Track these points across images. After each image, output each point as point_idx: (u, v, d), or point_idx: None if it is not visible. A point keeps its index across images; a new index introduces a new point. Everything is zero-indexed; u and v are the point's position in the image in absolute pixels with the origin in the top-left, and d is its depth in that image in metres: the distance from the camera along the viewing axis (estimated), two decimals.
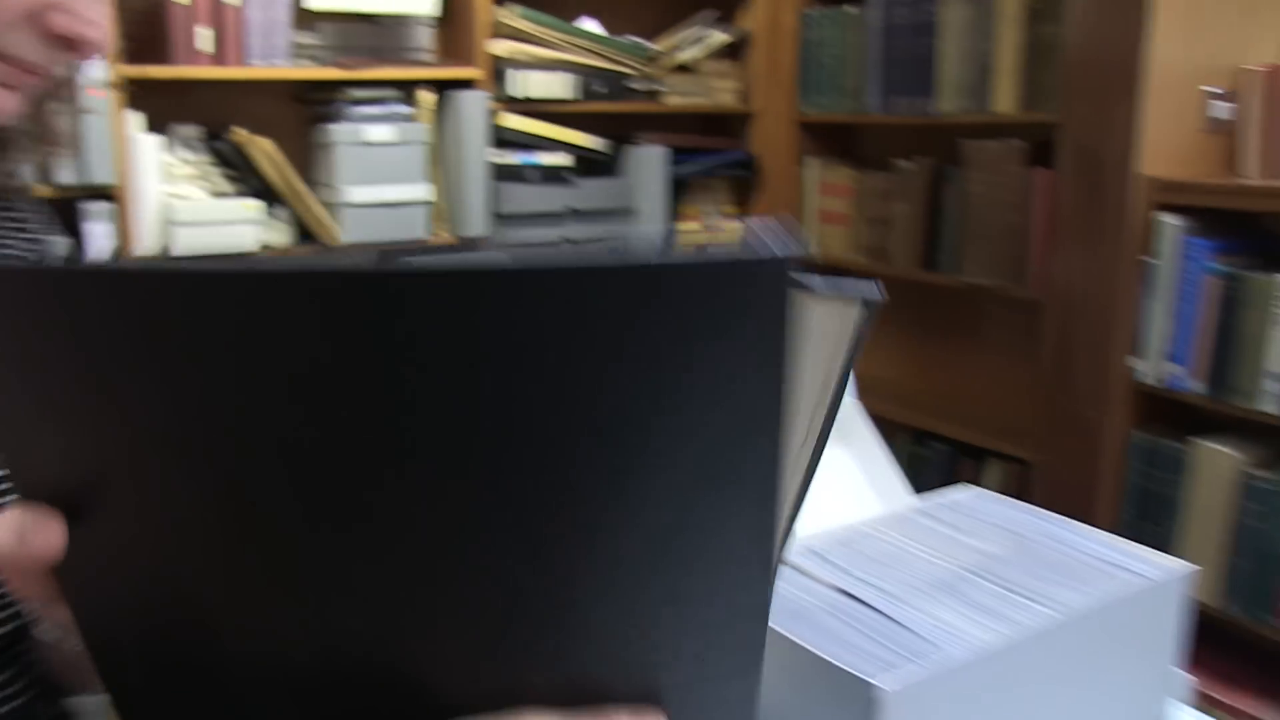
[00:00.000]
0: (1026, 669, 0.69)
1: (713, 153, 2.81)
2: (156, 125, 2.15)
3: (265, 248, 2.19)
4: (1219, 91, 1.98)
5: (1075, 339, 2.10)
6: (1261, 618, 1.85)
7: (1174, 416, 2.04)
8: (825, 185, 2.82)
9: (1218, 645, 1.94)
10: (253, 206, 2.15)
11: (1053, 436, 2.16)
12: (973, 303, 2.60)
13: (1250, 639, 1.90)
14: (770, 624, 0.70)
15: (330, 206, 2.25)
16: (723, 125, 2.92)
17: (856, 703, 0.62)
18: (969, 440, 2.47)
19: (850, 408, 1.05)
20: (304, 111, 2.41)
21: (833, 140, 2.86)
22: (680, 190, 2.75)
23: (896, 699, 0.62)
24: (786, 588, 0.76)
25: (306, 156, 2.38)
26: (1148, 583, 0.76)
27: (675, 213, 2.73)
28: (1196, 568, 0.79)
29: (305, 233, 2.26)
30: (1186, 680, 0.86)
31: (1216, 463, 1.88)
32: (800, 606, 0.73)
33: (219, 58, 2.17)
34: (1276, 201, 1.87)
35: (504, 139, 2.45)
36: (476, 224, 2.35)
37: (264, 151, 2.16)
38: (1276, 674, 1.90)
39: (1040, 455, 2.20)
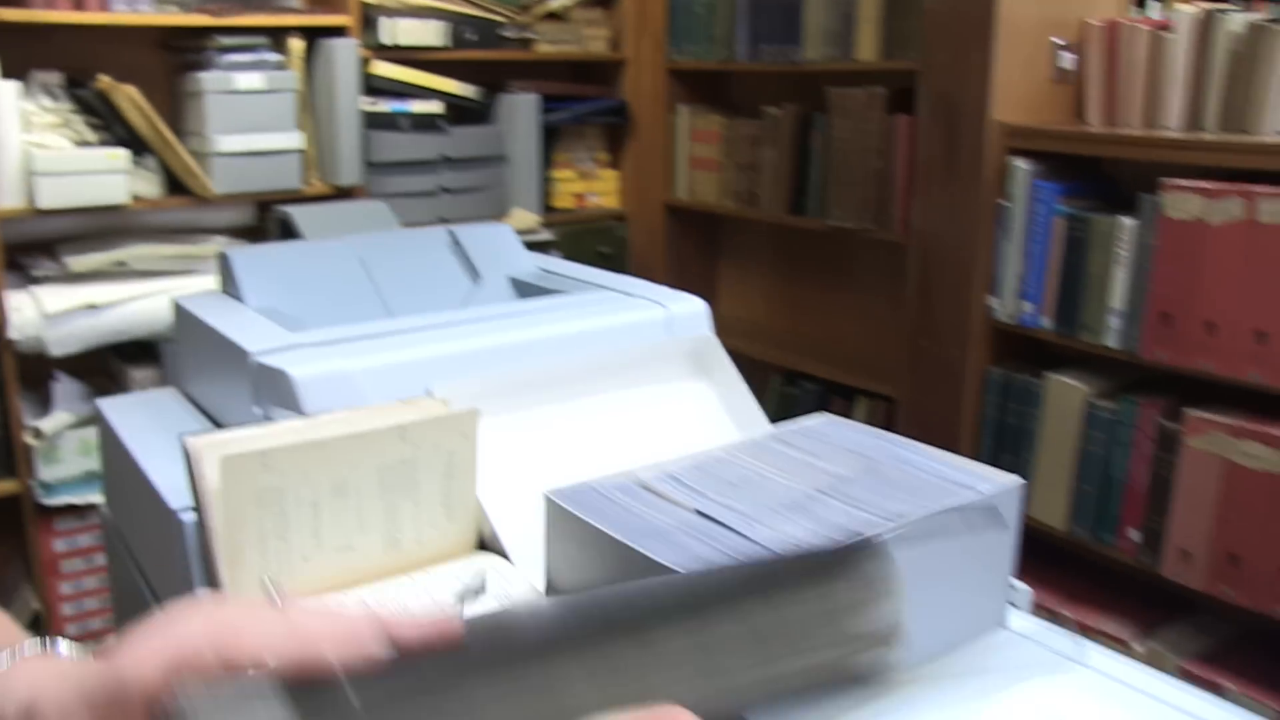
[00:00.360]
0: None
1: (584, 100, 2.82)
2: (14, 71, 2.06)
3: (135, 198, 2.13)
4: (1065, 43, 2.06)
5: (937, 280, 2.18)
6: (1106, 539, 1.96)
7: (1027, 352, 2.14)
8: (695, 132, 2.85)
9: (1067, 566, 2.06)
10: (118, 156, 2.08)
11: (916, 373, 2.24)
12: (839, 246, 2.68)
13: (1096, 560, 2.02)
14: (631, 545, 0.73)
15: (200, 156, 2.19)
16: (594, 73, 2.92)
17: None
18: (838, 379, 2.55)
19: (709, 342, 1.09)
20: (170, 59, 2.33)
21: (702, 88, 2.90)
22: (552, 138, 2.75)
23: None
24: (646, 510, 0.79)
25: (175, 105, 2.31)
26: (982, 496, 0.81)
27: (547, 160, 2.73)
28: (1023, 481, 0.84)
29: (175, 183, 2.20)
30: (1025, 590, 0.92)
31: (1065, 395, 1.98)
32: (659, 527, 0.76)
33: (80, 1, 2.09)
34: (1116, 147, 1.96)
35: (375, 87, 2.41)
36: (350, 172, 2.31)
37: (130, 99, 2.09)
38: (1120, 591, 2.03)
39: (905, 392, 2.29)
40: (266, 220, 2.33)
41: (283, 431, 0.85)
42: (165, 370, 2.16)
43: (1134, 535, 1.91)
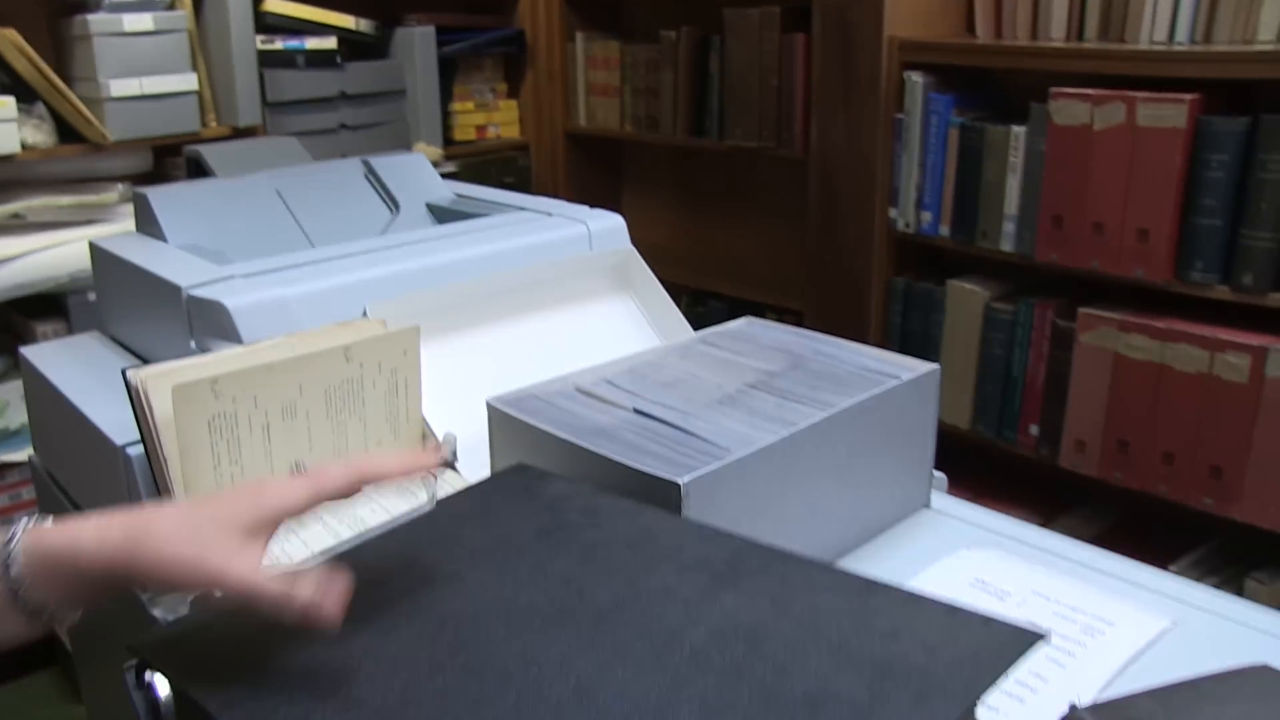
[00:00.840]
0: (804, 459, 0.79)
1: (481, 31, 2.79)
2: None
3: (25, 148, 2.06)
4: None
5: (838, 194, 2.24)
6: (1008, 436, 2.06)
7: (928, 260, 2.22)
8: (593, 59, 2.86)
9: (972, 464, 2.16)
10: (5, 104, 2.01)
11: (822, 287, 2.31)
12: (741, 166, 2.72)
13: (1000, 456, 2.12)
14: (578, 443, 0.77)
15: (92, 102, 2.13)
16: (489, 2, 2.90)
17: (667, 496, 0.70)
18: (745, 296, 2.60)
19: (630, 256, 1.12)
20: (51, 1, 2.25)
21: (598, 14, 2.89)
22: (450, 70, 2.73)
23: (696, 490, 0.70)
24: (587, 412, 0.83)
25: (61, 50, 2.23)
26: (901, 382, 0.87)
27: (446, 93, 2.71)
28: (937, 366, 0.90)
29: (67, 131, 2.13)
30: (941, 477, 0.98)
31: (966, 300, 2.07)
32: (602, 426, 0.80)
33: None
34: (1005, 58, 2.04)
35: (269, 24, 2.36)
36: (248, 112, 2.27)
37: (11, 43, 2.01)
38: (1022, 484, 2.14)
39: (811, 305, 2.36)
40: (166, 166, 2.29)
41: (226, 359, 0.87)
42: (72, 321, 2.12)
43: (1033, 430, 2.02)
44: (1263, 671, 0.67)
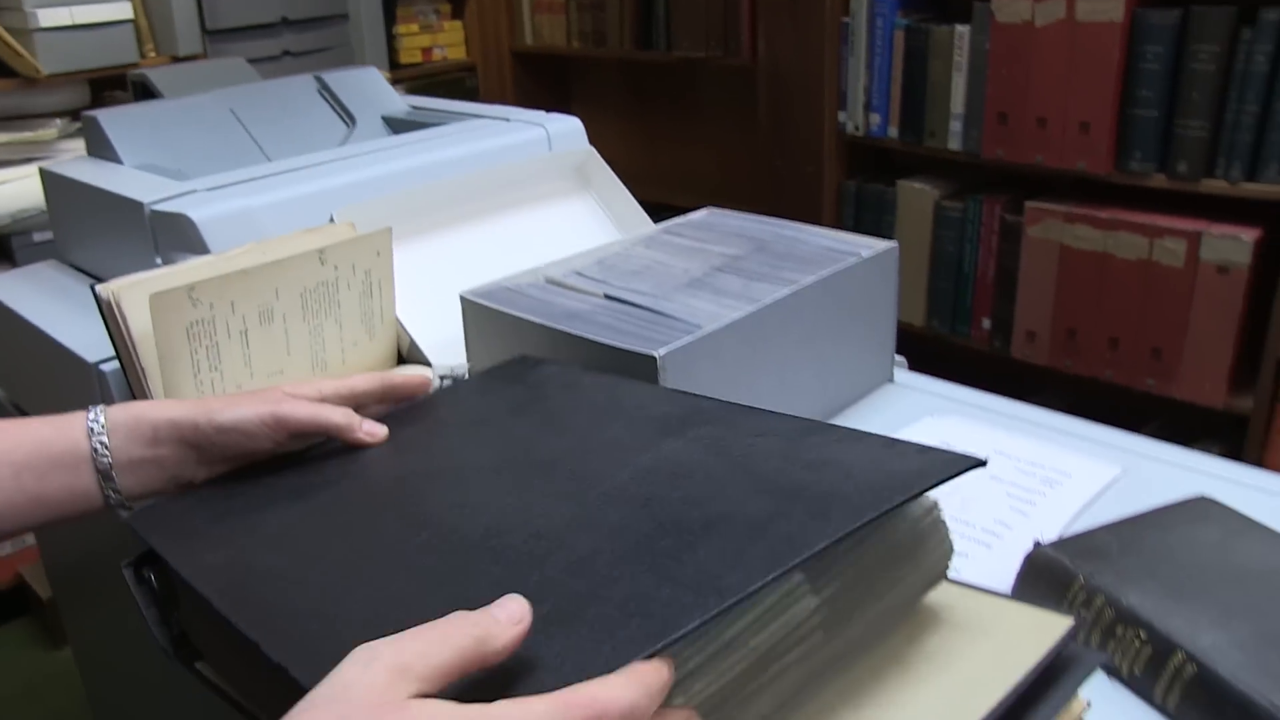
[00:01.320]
0: (773, 333, 0.81)
1: None
2: None
3: None
4: None
5: (787, 100, 2.25)
6: (961, 331, 2.11)
7: (878, 162, 2.25)
8: None
9: (929, 359, 2.21)
10: None
11: (775, 193, 2.34)
12: (689, 76, 2.72)
13: (954, 351, 2.17)
14: (554, 326, 0.79)
15: (20, 34, 2.08)
16: None
17: (643, 370, 0.73)
18: (700, 207, 2.62)
19: (590, 155, 1.14)
20: None
21: None
22: None
23: (672, 362, 0.73)
24: (560, 300, 0.85)
25: None
26: (861, 259, 0.90)
27: (390, 15, 2.68)
28: (895, 243, 0.93)
29: None
30: (902, 359, 1.02)
31: (916, 199, 2.10)
32: (575, 311, 0.82)
33: None
34: None
35: None
36: (188, 41, 2.23)
37: None
38: (976, 378, 2.19)
39: (765, 211, 2.37)
40: (104, 101, 2.25)
41: (197, 267, 0.88)
42: (19, 263, 2.09)
43: (986, 323, 2.07)
44: (1201, 501, 0.71)
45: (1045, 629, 0.51)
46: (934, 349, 2.16)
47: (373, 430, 0.68)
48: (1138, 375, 1.87)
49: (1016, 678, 0.48)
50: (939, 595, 0.55)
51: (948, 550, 0.54)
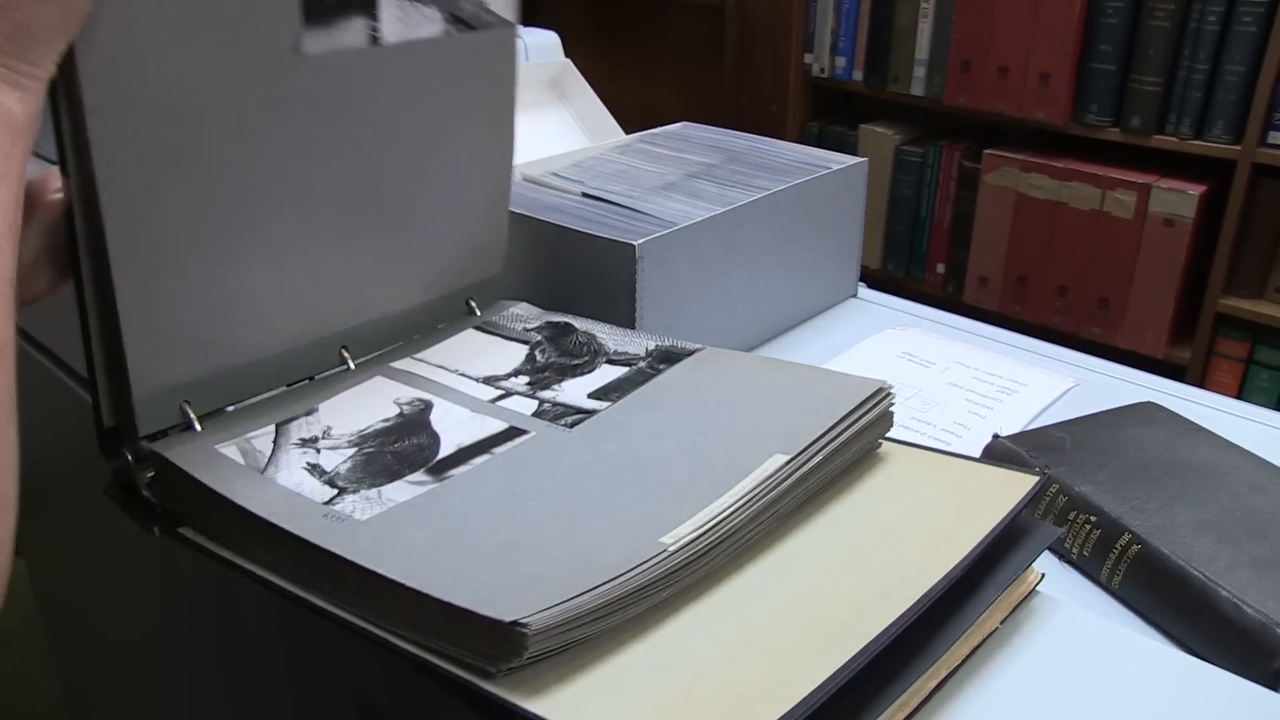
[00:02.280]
0: (745, 235, 0.83)
1: None
2: None
3: None
4: None
5: (754, 40, 2.26)
6: (916, 275, 2.15)
7: (841, 105, 2.27)
8: None
9: None
10: None
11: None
12: (656, 13, 2.72)
13: (909, 294, 2.21)
14: (535, 216, 0.80)
15: None
16: None
17: (621, 259, 0.74)
18: None
19: (565, 68, 1.14)
20: None
21: None
22: None
23: (649, 252, 0.74)
24: (539, 196, 0.86)
25: None
26: (831, 172, 0.92)
27: None
28: (865, 159, 0.95)
29: None
30: (863, 285, 1.04)
31: (877, 143, 2.13)
32: (555, 205, 0.83)
33: None
34: None
35: None
36: None
37: None
38: None
39: None
40: None
41: None
42: None
43: (940, 268, 2.11)
44: (1149, 405, 0.75)
45: (1014, 485, 0.54)
46: (889, 292, 2.20)
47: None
48: (1084, 324, 1.93)
49: (993, 522, 0.50)
50: (913, 459, 0.58)
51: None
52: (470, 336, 0.71)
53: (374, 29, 0.59)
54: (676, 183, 0.89)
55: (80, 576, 1.22)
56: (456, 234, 0.71)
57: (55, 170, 0.53)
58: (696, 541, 0.46)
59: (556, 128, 1.12)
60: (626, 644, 0.44)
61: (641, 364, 0.65)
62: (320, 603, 0.49)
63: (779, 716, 0.38)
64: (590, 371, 0.65)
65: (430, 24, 0.62)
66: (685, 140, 1.02)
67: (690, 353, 0.65)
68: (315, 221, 0.61)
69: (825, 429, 0.54)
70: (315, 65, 0.57)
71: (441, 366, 0.67)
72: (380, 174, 0.63)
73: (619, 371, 0.65)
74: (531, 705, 0.41)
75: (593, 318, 0.73)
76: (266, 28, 0.54)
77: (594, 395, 0.62)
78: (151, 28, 0.49)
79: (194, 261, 0.56)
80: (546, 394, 0.63)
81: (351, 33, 0.58)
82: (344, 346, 0.66)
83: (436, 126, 0.66)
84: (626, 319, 0.75)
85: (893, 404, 0.59)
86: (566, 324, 0.71)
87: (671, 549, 0.46)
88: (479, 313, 0.73)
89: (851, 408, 0.56)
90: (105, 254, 0.52)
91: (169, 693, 1.05)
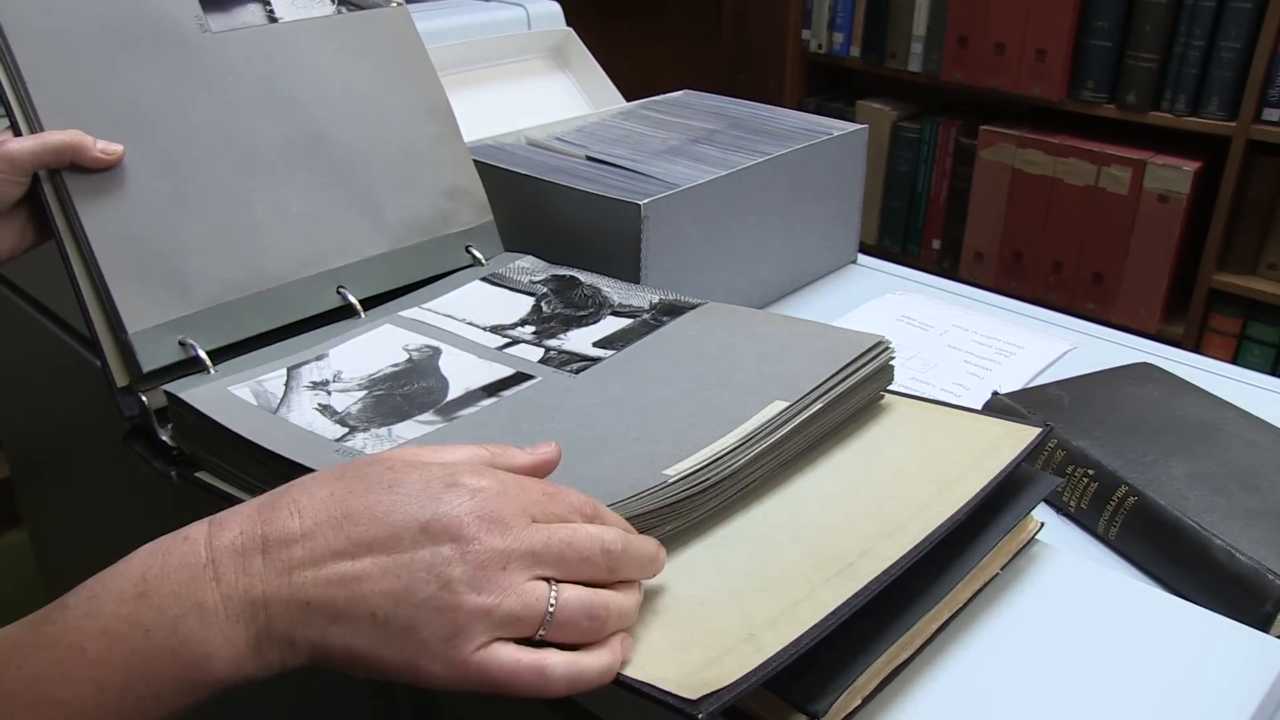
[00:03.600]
0: (748, 197, 0.84)
1: None
2: None
3: None
4: None
5: (752, 15, 2.27)
6: (912, 250, 2.16)
7: (839, 81, 2.27)
8: None
9: None
10: None
11: None
12: None
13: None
14: (543, 178, 0.81)
15: None
16: None
17: (627, 219, 0.75)
18: None
19: (568, 36, 1.15)
20: None
21: None
22: None
23: (654, 212, 0.75)
24: (543, 159, 0.87)
25: None
26: (833, 138, 0.92)
27: None
28: (866, 126, 0.96)
29: None
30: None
31: (874, 119, 2.14)
32: (560, 167, 0.84)
33: None
34: None
35: None
36: None
37: None
38: None
39: None
40: None
41: None
42: None
43: (936, 244, 2.12)
44: (1145, 365, 0.76)
45: (1018, 435, 0.55)
46: None
47: (107, 148, 0.61)
48: (1079, 299, 1.94)
49: (997, 469, 0.52)
50: (917, 410, 0.59)
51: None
52: (477, 288, 0.72)
53: (269, 10, 0.70)
54: (679, 147, 0.90)
55: (83, 548, 1.23)
56: (417, 180, 0.74)
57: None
58: (697, 474, 0.47)
59: (559, 95, 1.13)
60: None
61: (645, 316, 0.66)
62: None
63: (788, 643, 0.40)
64: (595, 322, 0.66)
65: (320, 5, 0.73)
66: (687, 107, 1.02)
67: (693, 306, 0.67)
68: (259, 166, 0.67)
69: (824, 378, 0.55)
70: (224, 40, 0.67)
71: (449, 315, 0.68)
72: (315, 127, 0.70)
73: (623, 322, 0.66)
74: None
75: None
76: (174, 16, 0.66)
77: (599, 344, 0.63)
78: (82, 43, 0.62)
79: (155, 207, 0.62)
80: (552, 342, 0.64)
81: (249, 14, 0.69)
82: (341, 286, 0.67)
83: (356, 86, 0.73)
84: (632, 279, 0.76)
85: (892, 358, 0.60)
86: (572, 277, 0.72)
87: (673, 479, 0.47)
88: (484, 262, 0.75)
89: (851, 359, 0.57)
90: (76, 215, 0.59)
91: None
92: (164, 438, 0.58)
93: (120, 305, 0.59)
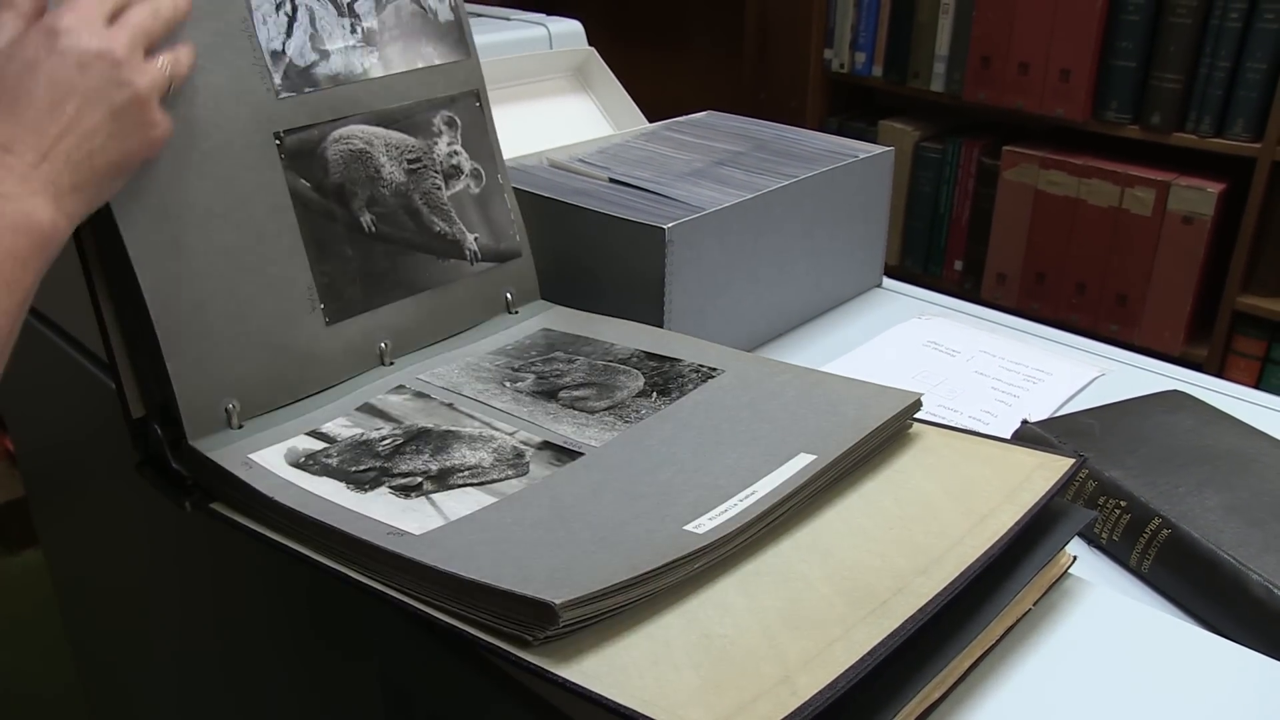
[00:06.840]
0: (773, 221, 0.84)
1: None
2: None
3: None
4: None
5: (774, 34, 2.26)
6: (934, 271, 2.15)
7: (861, 101, 2.27)
8: None
9: None
10: None
11: None
12: (677, 8, 2.71)
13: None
14: (567, 201, 0.80)
15: None
16: None
17: (650, 244, 0.74)
18: None
19: (590, 55, 1.15)
20: None
21: None
22: None
23: (678, 236, 0.75)
24: (566, 181, 0.86)
25: None
26: (858, 160, 0.92)
27: None
28: (891, 149, 0.95)
29: None
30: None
31: (896, 139, 2.13)
32: (583, 189, 0.84)
33: None
34: None
35: None
36: None
37: None
38: None
39: None
40: None
41: None
42: None
43: (958, 265, 2.11)
44: (1176, 393, 0.75)
45: (1050, 466, 0.54)
46: None
47: None
48: (1102, 320, 1.92)
49: (1031, 502, 0.51)
50: (947, 440, 0.58)
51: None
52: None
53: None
54: (704, 169, 0.90)
55: (98, 567, 1.22)
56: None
57: None
58: (724, 525, 0.47)
59: (580, 115, 1.13)
60: (664, 614, 0.44)
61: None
62: (354, 574, 0.49)
63: (824, 685, 0.39)
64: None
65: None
66: (711, 128, 1.02)
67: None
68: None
69: (855, 441, 0.55)
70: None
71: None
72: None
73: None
74: (564, 672, 0.41)
75: (622, 301, 0.74)
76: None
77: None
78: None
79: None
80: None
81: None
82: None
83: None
84: (655, 304, 0.76)
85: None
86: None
87: (700, 531, 0.46)
88: (516, 310, 0.75)
89: (885, 420, 0.56)
90: (130, 267, 0.57)
91: (188, 678, 1.05)
92: (177, 468, 0.58)
93: (173, 372, 0.58)
